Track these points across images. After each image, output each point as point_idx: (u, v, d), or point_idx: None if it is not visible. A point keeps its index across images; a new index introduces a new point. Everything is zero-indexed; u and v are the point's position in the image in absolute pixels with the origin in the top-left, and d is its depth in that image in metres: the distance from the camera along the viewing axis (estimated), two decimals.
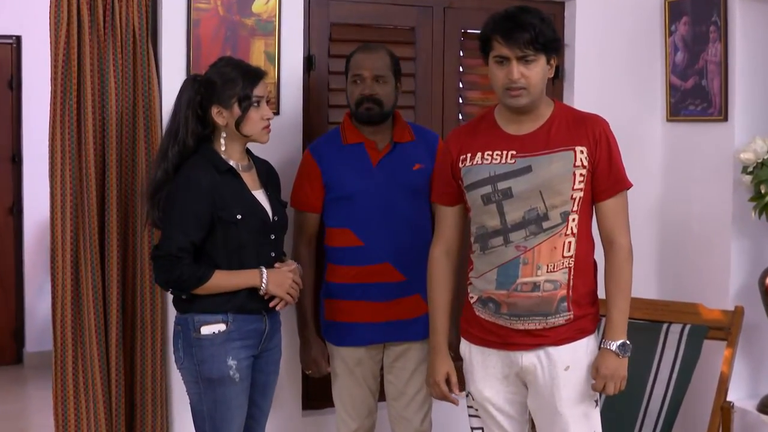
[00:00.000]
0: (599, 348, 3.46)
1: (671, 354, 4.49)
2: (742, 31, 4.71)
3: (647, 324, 4.55)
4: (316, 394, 4.47)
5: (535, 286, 3.36)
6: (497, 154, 3.41)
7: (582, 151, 3.37)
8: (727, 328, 4.49)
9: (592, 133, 3.39)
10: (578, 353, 3.44)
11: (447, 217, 3.62)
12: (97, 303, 3.96)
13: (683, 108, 4.97)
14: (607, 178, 3.41)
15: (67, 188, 3.91)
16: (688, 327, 4.51)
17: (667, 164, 5.04)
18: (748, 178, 4.63)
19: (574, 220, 3.37)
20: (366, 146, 3.98)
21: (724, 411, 4.33)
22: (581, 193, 3.37)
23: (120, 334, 4.01)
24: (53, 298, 3.95)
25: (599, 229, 3.49)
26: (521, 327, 3.41)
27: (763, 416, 4.58)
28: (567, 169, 3.35)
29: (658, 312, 4.61)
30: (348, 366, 4.05)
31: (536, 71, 3.33)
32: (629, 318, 3.51)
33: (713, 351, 4.64)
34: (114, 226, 3.98)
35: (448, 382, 3.63)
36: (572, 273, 3.38)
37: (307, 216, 4.04)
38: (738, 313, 4.49)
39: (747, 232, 4.81)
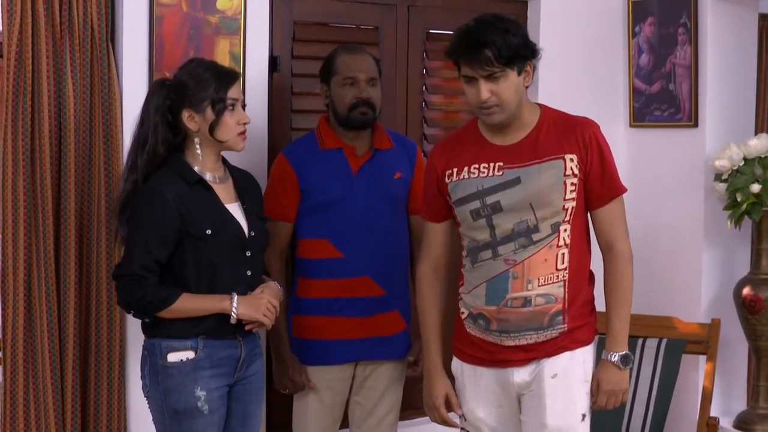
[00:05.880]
0: (600, 360, 3.46)
1: (649, 370, 4.56)
2: (714, 33, 4.81)
3: None
4: (279, 422, 4.39)
5: (527, 301, 3.35)
6: (484, 167, 3.39)
7: (572, 159, 3.36)
8: (705, 341, 4.58)
9: (582, 138, 3.38)
10: (567, 362, 3.42)
11: (436, 234, 3.58)
12: (52, 328, 3.79)
13: (648, 113, 5.05)
14: (600, 185, 3.40)
15: (19, 201, 3.73)
16: (665, 341, 4.59)
17: (631, 172, 5.09)
18: (721, 185, 4.73)
19: (566, 230, 3.36)
20: (345, 152, 3.92)
21: (710, 427, 4.41)
22: (573, 203, 3.36)
23: (77, 363, 3.86)
24: (3, 322, 3.77)
25: (597, 237, 3.48)
26: (512, 343, 3.39)
27: None
28: (557, 179, 3.34)
29: (632, 326, 4.60)
30: (315, 387, 3.98)
31: (506, 86, 3.30)
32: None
33: (688, 365, 4.73)
34: (71, 244, 3.82)
35: (447, 404, 3.59)
36: (567, 285, 3.38)
37: (280, 225, 3.94)
38: (715, 325, 4.59)
39: (719, 241, 4.92)
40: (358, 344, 3.96)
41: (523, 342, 3.39)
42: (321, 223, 3.92)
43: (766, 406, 4.87)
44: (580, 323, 3.43)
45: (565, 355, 3.41)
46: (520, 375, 3.42)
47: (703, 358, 4.70)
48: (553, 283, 3.36)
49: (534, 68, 3.39)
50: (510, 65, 3.27)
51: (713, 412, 4.73)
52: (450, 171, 3.44)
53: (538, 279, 3.35)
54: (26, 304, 3.80)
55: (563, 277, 3.37)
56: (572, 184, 3.35)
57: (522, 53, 3.30)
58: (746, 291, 4.76)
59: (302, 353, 3.99)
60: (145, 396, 3.57)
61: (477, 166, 3.40)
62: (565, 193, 3.34)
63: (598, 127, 3.45)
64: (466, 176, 3.40)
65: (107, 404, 3.95)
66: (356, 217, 3.90)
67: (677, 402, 4.63)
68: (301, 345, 3.99)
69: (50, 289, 3.80)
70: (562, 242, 3.36)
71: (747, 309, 4.76)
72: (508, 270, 3.35)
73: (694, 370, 4.81)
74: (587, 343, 3.47)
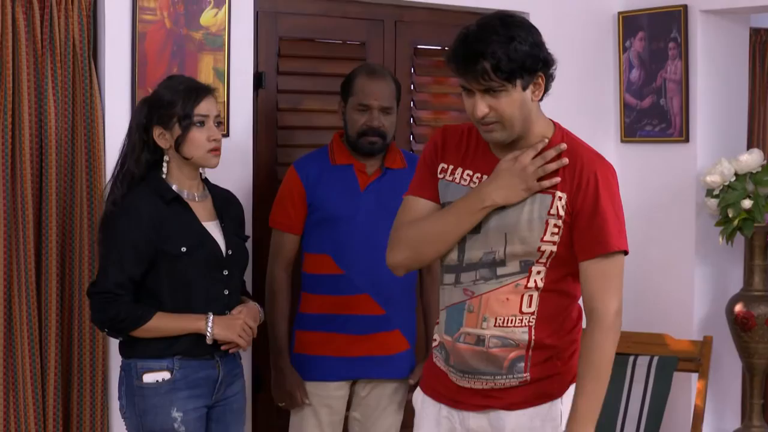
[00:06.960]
0: None
1: (640, 388, 4.53)
2: (704, 47, 4.81)
3: None
4: None
5: (480, 340, 2.98)
6: (477, 178, 3.02)
7: (561, 198, 2.93)
8: (697, 359, 4.55)
9: (579, 177, 2.93)
10: (533, 422, 3.02)
11: (419, 207, 3.13)
12: (33, 347, 3.76)
13: (639, 128, 5.03)
14: (583, 235, 2.92)
15: None
16: (656, 359, 4.56)
17: (623, 188, 4.97)
18: (713, 201, 4.72)
19: (539, 273, 2.95)
20: (355, 168, 3.92)
21: None
22: (553, 247, 2.93)
23: (58, 382, 3.83)
24: None
25: (582, 293, 3.02)
26: (467, 384, 3.04)
27: None
28: (539, 216, 2.94)
29: (623, 344, 4.49)
30: (313, 404, 3.96)
31: (508, 102, 2.86)
32: None
33: (680, 383, 4.70)
34: (53, 262, 3.78)
35: None
36: (533, 332, 2.97)
37: (287, 237, 3.95)
38: (707, 343, 4.56)
39: (710, 258, 4.90)
40: (356, 362, 3.94)
41: (479, 385, 3.03)
42: (324, 239, 3.92)
43: (759, 425, 4.86)
44: (548, 374, 3.01)
45: (528, 413, 3.02)
46: (477, 421, 3.07)
47: (695, 376, 4.68)
48: (514, 326, 2.97)
49: (551, 78, 2.97)
50: (511, 79, 2.84)
51: (705, 431, 4.71)
52: (445, 165, 3.09)
53: (495, 319, 2.97)
54: (6, 323, 3.76)
55: (529, 322, 2.97)
56: (555, 225, 2.93)
57: (528, 65, 2.86)
58: (738, 308, 4.75)
59: (301, 369, 3.97)
60: (122, 417, 3.55)
61: (470, 173, 3.04)
62: (545, 234, 2.93)
63: (608, 170, 3.01)
64: (458, 180, 3.05)
65: (90, 424, 3.92)
66: (359, 234, 3.88)
67: (669, 420, 4.60)
68: (301, 360, 3.97)
69: (31, 308, 3.77)
70: (533, 284, 2.96)
71: (739, 326, 4.74)
72: (465, 301, 3.00)
73: (686, 388, 4.79)
74: (557, 396, 3.03)
